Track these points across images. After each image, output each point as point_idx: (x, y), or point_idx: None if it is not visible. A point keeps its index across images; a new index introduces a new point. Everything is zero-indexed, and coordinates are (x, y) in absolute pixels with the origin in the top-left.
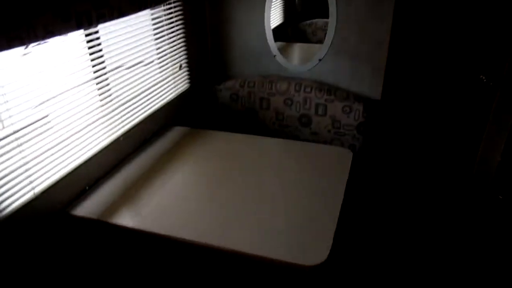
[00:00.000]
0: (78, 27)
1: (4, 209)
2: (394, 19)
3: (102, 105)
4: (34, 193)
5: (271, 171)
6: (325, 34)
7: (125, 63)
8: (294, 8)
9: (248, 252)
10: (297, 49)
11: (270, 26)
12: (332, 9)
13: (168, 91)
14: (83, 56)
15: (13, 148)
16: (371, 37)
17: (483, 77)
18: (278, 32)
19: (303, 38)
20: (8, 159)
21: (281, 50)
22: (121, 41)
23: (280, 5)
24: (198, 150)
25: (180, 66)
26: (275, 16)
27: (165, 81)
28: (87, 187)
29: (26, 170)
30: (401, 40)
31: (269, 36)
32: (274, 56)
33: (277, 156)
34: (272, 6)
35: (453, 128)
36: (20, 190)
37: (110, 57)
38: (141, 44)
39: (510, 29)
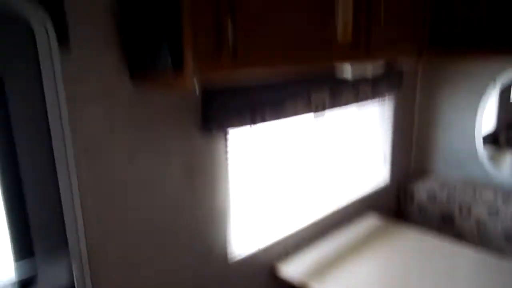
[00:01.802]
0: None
1: (238, 255)
2: None
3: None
4: (258, 248)
5: (462, 284)
6: None
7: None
8: (509, 114)
9: None
10: (509, 158)
11: (481, 131)
12: None
13: (368, 183)
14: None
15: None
16: None
17: None
18: (487, 135)
19: None
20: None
21: (490, 156)
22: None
23: (494, 108)
24: (389, 244)
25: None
26: (486, 120)
27: (365, 173)
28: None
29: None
30: None
31: (479, 141)
32: (482, 162)
33: (473, 269)
34: (486, 110)
35: None
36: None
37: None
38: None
39: None
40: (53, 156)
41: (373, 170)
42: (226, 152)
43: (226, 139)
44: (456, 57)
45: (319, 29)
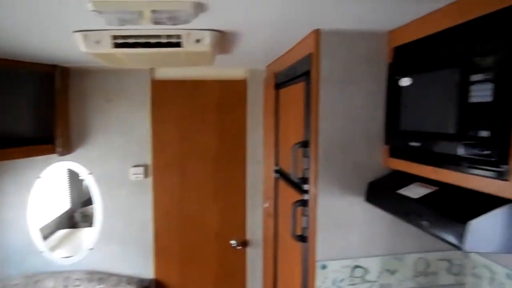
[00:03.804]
0: None
1: None
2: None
3: None
4: None
5: None
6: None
7: None
8: (82, 192)
9: None
10: (79, 237)
11: (36, 222)
12: (97, 197)
13: None
14: None
15: None
16: (138, 219)
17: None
18: (64, 217)
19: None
20: None
21: (61, 241)
22: None
23: (67, 190)
24: None
25: None
26: (60, 203)
27: None
28: None
29: None
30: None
31: (34, 233)
32: (42, 253)
33: None
34: (54, 193)
35: None
36: None
37: None
38: None
39: None
40: None
41: None
42: None
43: None
44: None
45: None
